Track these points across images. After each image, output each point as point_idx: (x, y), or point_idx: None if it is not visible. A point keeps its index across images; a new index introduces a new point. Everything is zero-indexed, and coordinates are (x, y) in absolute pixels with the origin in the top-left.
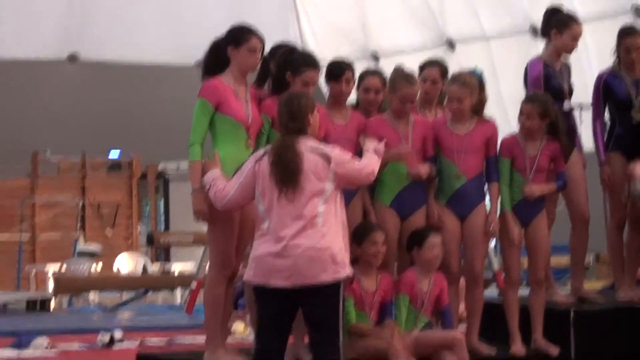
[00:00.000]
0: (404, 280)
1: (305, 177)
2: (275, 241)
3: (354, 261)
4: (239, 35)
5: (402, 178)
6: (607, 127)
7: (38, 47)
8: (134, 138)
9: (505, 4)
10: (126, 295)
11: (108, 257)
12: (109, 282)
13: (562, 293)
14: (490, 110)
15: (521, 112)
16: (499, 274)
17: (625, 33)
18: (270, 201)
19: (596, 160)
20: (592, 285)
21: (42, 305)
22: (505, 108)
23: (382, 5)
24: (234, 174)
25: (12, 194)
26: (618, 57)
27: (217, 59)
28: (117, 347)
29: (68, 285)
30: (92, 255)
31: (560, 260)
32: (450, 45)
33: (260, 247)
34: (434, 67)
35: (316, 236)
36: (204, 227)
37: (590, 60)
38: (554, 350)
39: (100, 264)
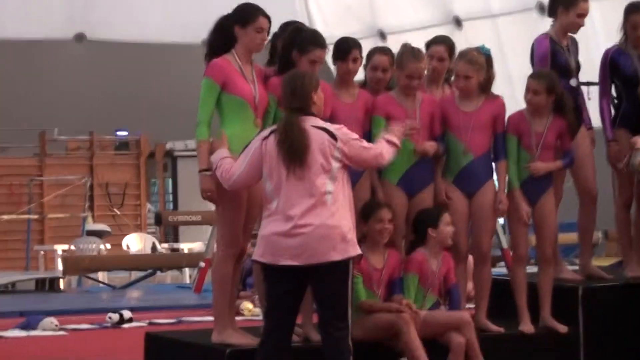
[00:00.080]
0: (413, 260)
1: (313, 154)
2: (285, 220)
3: (362, 239)
4: (246, 15)
5: (409, 156)
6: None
7: (45, 27)
8: (141, 117)
9: None
10: (135, 275)
11: (116, 237)
12: (118, 261)
13: (570, 270)
14: (498, 87)
15: (527, 89)
16: (507, 252)
17: (631, 9)
18: (278, 180)
19: (604, 137)
20: (601, 263)
21: (50, 285)
22: (512, 85)
23: None
24: (241, 153)
25: (20, 174)
26: (625, 33)
27: (223, 38)
28: (126, 326)
29: (77, 265)
30: (101, 235)
31: (569, 237)
32: (457, 22)
33: (269, 226)
34: (441, 45)
35: (325, 214)
36: (212, 206)
37: (598, 37)
38: (562, 328)
39: (108, 245)
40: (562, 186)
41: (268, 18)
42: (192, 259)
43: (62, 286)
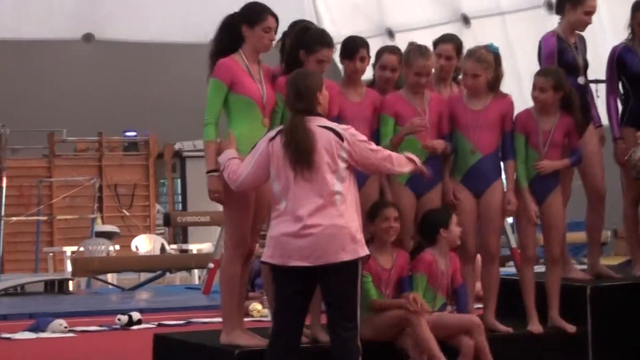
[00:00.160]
0: (423, 260)
1: (319, 154)
2: (294, 221)
3: (369, 240)
4: (255, 14)
5: (417, 156)
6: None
7: (53, 27)
8: (150, 117)
9: None
10: (144, 277)
11: (125, 238)
12: (127, 263)
13: (579, 269)
14: (506, 85)
15: (534, 86)
16: (516, 251)
17: (638, 7)
18: (286, 181)
19: (611, 135)
20: (610, 262)
21: (60, 286)
22: (521, 83)
23: None
24: (248, 154)
25: (29, 175)
26: (632, 31)
27: (230, 37)
28: (135, 328)
29: (86, 267)
30: (110, 236)
31: (578, 236)
32: (466, 20)
33: (278, 227)
34: (448, 43)
35: (335, 215)
36: (221, 207)
37: (605, 34)
38: (571, 328)
39: (117, 246)
40: (570, 185)
41: (276, 17)
42: (201, 260)
43: (71, 288)
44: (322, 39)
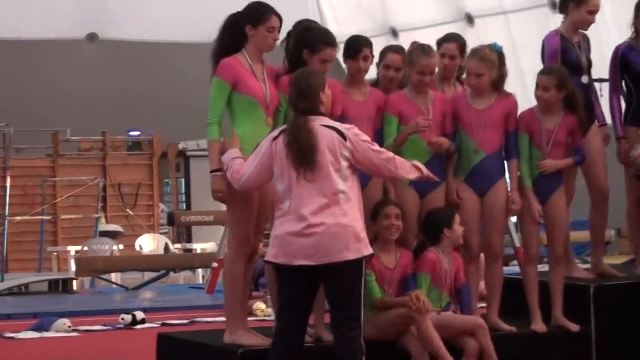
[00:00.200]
0: (426, 259)
1: (322, 154)
2: (297, 220)
3: (373, 240)
4: (258, 14)
5: (420, 155)
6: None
7: (57, 27)
8: (154, 117)
9: None
10: (148, 276)
11: (129, 238)
12: (131, 262)
13: (582, 268)
14: (510, 84)
15: (537, 85)
16: (519, 250)
17: None
18: (289, 181)
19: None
20: (614, 261)
21: (64, 286)
22: (524, 82)
23: None
24: (251, 153)
25: (33, 175)
26: (635, 30)
27: (234, 37)
28: (138, 327)
29: (90, 266)
30: (114, 236)
31: (581, 235)
32: (469, 19)
33: (282, 226)
34: (452, 42)
35: (339, 213)
36: (224, 206)
37: (610, 33)
38: (574, 327)
39: (121, 245)
40: (573, 184)
41: (279, 17)
42: (204, 259)
43: (75, 287)
44: (325, 38)
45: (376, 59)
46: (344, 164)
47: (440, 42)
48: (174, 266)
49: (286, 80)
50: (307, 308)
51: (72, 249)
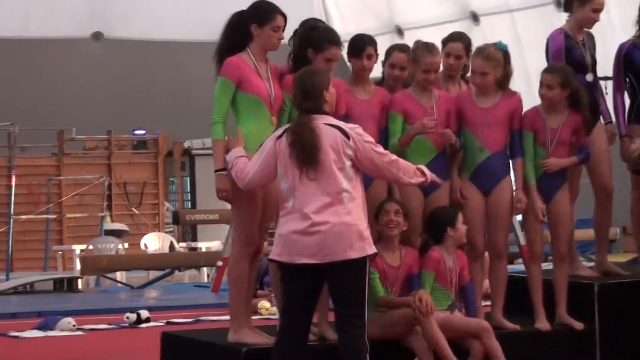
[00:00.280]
0: (430, 257)
1: (325, 153)
2: (301, 219)
3: (377, 239)
4: (264, 14)
5: (424, 154)
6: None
7: (62, 26)
8: (159, 115)
9: None
10: (153, 275)
11: (135, 236)
12: (136, 261)
13: (586, 267)
14: (515, 82)
15: (541, 84)
16: (524, 249)
17: None
18: (293, 180)
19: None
20: (619, 259)
21: (69, 285)
22: (530, 81)
23: None
24: (256, 152)
25: (38, 174)
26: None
27: (239, 36)
28: (143, 326)
29: (95, 265)
30: (119, 235)
31: (586, 233)
32: (475, 18)
33: (287, 225)
34: (458, 42)
35: (342, 212)
36: (230, 205)
37: (615, 31)
38: (578, 325)
39: (126, 244)
40: (578, 182)
41: (284, 16)
42: (210, 258)
43: (80, 286)
44: (330, 37)
45: (381, 57)
46: (348, 163)
47: (445, 41)
48: (179, 265)
49: (290, 79)
50: (311, 307)
51: (77, 248)
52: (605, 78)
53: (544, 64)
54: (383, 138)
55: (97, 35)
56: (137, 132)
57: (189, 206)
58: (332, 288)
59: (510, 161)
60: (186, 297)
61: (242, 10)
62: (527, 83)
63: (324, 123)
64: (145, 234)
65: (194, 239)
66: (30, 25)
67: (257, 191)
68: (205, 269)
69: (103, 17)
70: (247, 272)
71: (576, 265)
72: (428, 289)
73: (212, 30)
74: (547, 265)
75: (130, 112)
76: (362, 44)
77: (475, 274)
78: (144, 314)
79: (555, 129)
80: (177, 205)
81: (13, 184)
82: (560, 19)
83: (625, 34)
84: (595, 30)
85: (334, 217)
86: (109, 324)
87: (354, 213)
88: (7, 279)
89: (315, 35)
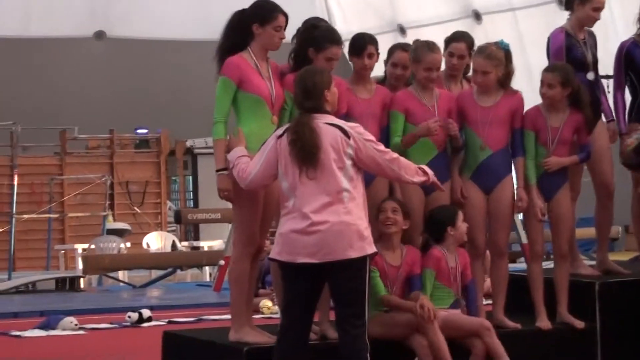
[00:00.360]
0: (431, 256)
1: (325, 153)
2: (301, 218)
3: (378, 239)
4: (266, 13)
5: (426, 152)
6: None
7: (65, 25)
8: (161, 115)
9: None
10: (155, 274)
11: (137, 236)
12: (138, 260)
13: (587, 265)
14: (518, 81)
15: (542, 82)
16: (527, 247)
17: None
18: (293, 179)
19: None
20: (621, 257)
21: (71, 284)
22: (532, 79)
23: None
24: (258, 152)
25: (40, 173)
26: None
27: (240, 35)
28: (145, 325)
29: (97, 264)
30: (121, 234)
31: (589, 232)
32: (477, 16)
33: (287, 224)
34: (461, 42)
35: (342, 212)
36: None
37: (617, 29)
38: (579, 324)
39: (129, 243)
40: (580, 181)
41: (286, 16)
42: (212, 257)
43: (82, 285)
44: (331, 36)
45: (384, 56)
46: (348, 162)
47: (448, 41)
48: (181, 264)
49: (291, 79)
50: (312, 306)
51: (80, 247)
52: (608, 76)
53: (546, 63)
54: (384, 137)
55: (100, 35)
56: (139, 131)
57: (191, 205)
58: (332, 287)
59: (512, 160)
60: (188, 297)
61: (244, 9)
62: (529, 81)
63: (324, 122)
64: (148, 233)
65: (196, 238)
66: (33, 24)
67: (258, 191)
68: (207, 268)
69: (105, 16)
70: (248, 271)
71: (577, 264)
72: (429, 288)
73: (214, 29)
74: (548, 264)
75: (133, 111)
76: (362, 43)
77: (476, 272)
78: (146, 313)
79: (557, 128)
80: (180, 205)
81: (15, 183)
82: (562, 17)
83: (627, 32)
84: (597, 27)
85: (333, 217)
86: (111, 323)
87: (353, 212)
88: (9, 278)
89: (316, 35)
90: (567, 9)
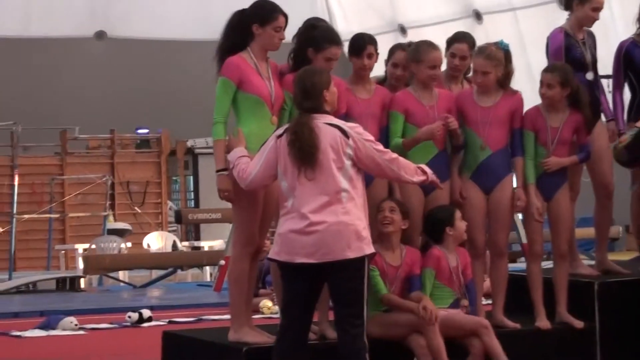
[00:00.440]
0: (431, 255)
1: (324, 152)
2: (300, 218)
3: (377, 239)
4: (266, 14)
5: (426, 152)
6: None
7: (65, 25)
8: (162, 115)
9: None
10: (156, 274)
11: (137, 236)
12: (139, 260)
13: (587, 265)
14: (518, 81)
15: (541, 83)
16: (527, 247)
17: None
18: (292, 179)
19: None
20: (621, 257)
21: (71, 284)
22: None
23: None
24: (257, 152)
25: (41, 173)
26: None
27: (240, 35)
28: (145, 325)
29: (97, 264)
30: (122, 234)
31: (589, 232)
32: (478, 16)
33: (286, 224)
34: (463, 42)
35: (340, 212)
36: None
37: (617, 29)
38: (578, 324)
39: (129, 243)
40: (579, 181)
41: (286, 16)
42: (212, 257)
43: (82, 285)
44: (330, 36)
45: (384, 56)
46: (348, 162)
47: (450, 42)
48: (181, 264)
49: (291, 78)
50: (311, 306)
51: (80, 247)
52: (607, 76)
53: (546, 63)
54: (384, 137)
55: (100, 35)
56: (140, 131)
57: (192, 205)
58: (331, 287)
59: (511, 160)
60: (189, 297)
61: (244, 9)
62: (530, 81)
63: (323, 122)
64: (148, 233)
65: (197, 238)
66: (33, 24)
67: (258, 191)
68: (208, 268)
69: (106, 16)
70: (248, 271)
71: (576, 264)
72: (429, 287)
73: (215, 29)
74: (547, 264)
75: (133, 111)
76: (362, 43)
77: (476, 272)
78: (146, 313)
79: (556, 128)
80: (180, 205)
81: (16, 183)
82: (563, 17)
83: (627, 32)
84: (597, 27)
85: (331, 217)
86: (111, 324)
87: (352, 213)
88: (10, 278)
89: (315, 35)
90: (566, 9)
